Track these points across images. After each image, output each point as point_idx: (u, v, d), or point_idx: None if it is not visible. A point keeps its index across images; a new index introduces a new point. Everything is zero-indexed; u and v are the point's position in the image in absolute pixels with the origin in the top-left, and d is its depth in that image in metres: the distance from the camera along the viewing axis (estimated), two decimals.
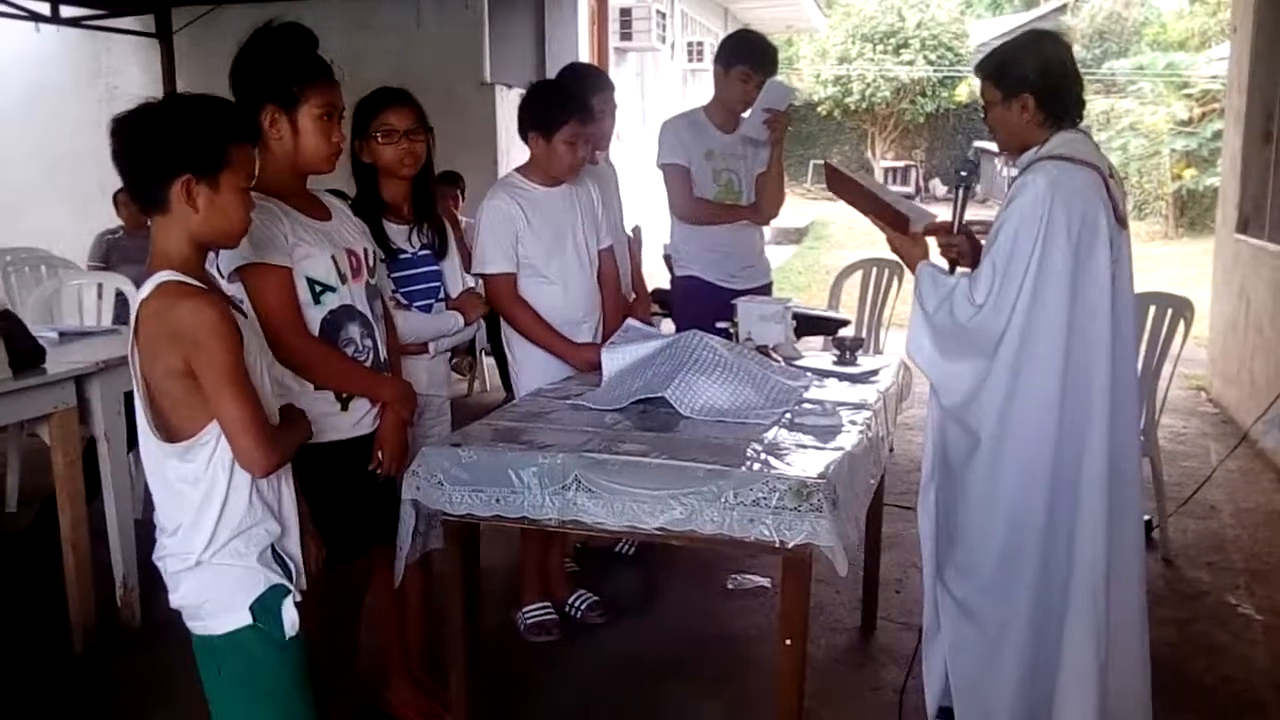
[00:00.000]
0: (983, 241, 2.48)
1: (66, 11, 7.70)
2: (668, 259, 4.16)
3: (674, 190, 3.90)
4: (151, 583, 2.55)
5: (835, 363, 3.05)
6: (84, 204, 6.83)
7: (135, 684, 3.07)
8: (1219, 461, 5.04)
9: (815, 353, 3.37)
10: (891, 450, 3.59)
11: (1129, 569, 2.45)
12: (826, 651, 3.25)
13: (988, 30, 23.30)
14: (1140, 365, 3.58)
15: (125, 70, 8.63)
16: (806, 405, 2.55)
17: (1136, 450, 2.56)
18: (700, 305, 3.74)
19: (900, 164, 23.61)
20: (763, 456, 2.14)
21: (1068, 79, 2.46)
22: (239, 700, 1.87)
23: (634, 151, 8.30)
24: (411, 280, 2.76)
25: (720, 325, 3.17)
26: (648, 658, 3.23)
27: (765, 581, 3.70)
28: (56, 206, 7.63)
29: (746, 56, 3.82)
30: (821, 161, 8.80)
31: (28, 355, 3.11)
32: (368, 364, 2.37)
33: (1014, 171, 2.55)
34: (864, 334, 5.27)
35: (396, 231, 2.73)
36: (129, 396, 1.85)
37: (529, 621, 3.35)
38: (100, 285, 4.84)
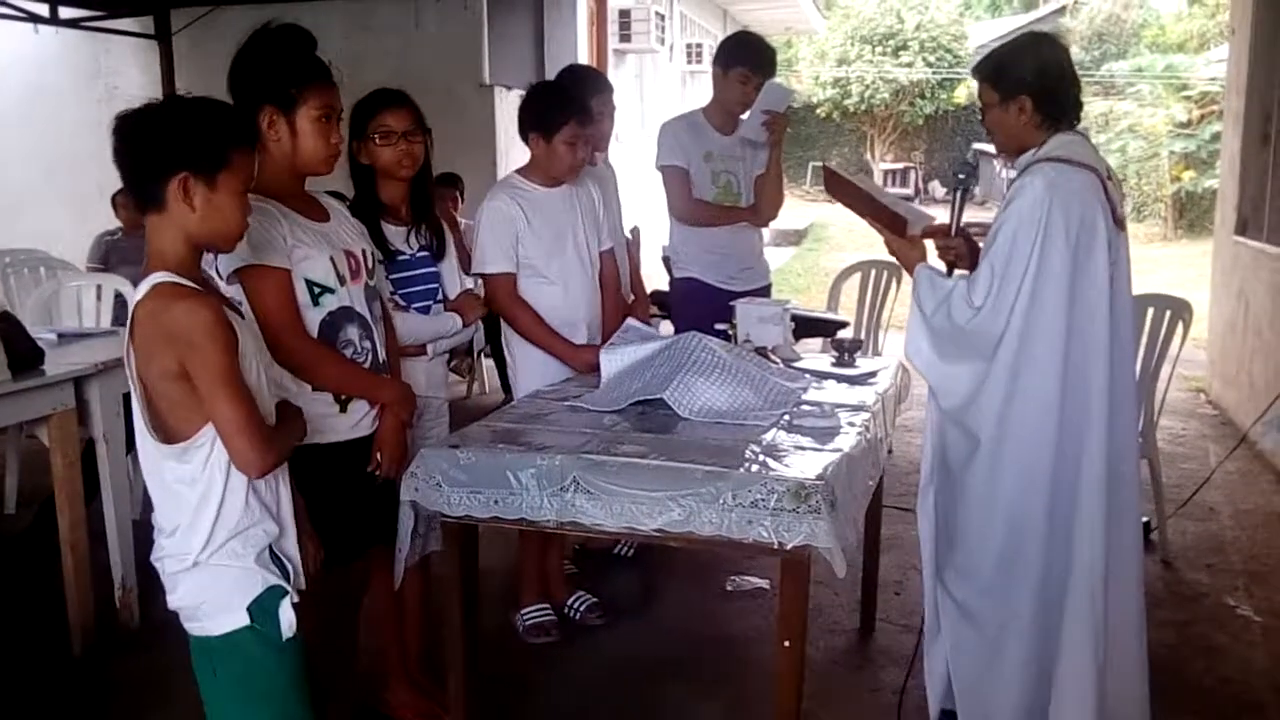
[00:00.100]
0: (981, 244, 2.49)
1: (65, 13, 7.70)
2: (666, 261, 4.16)
3: (673, 192, 3.90)
4: (150, 584, 2.55)
5: (834, 364, 3.05)
6: (83, 205, 6.82)
7: (134, 685, 3.07)
8: (1218, 463, 5.04)
9: (814, 354, 3.37)
10: (890, 452, 3.59)
11: (1127, 571, 2.45)
12: (825, 653, 3.25)
13: (987, 32, 23.31)
14: (1139, 367, 3.59)
15: (124, 72, 8.63)
16: (805, 407, 2.55)
17: (1135, 452, 2.57)
18: (699, 307, 3.74)
19: (899, 166, 23.62)
20: (761, 458, 2.14)
21: (1065, 81, 2.46)
22: (236, 701, 1.87)
23: (633, 153, 8.30)
24: (410, 282, 2.75)
25: (719, 327, 3.17)
26: (646, 659, 3.23)
27: (764, 583, 3.70)
28: (55, 208, 7.62)
29: (745, 58, 3.82)
30: (820, 164, 8.81)
31: (26, 357, 3.11)
32: (366, 365, 2.37)
33: (1013, 173, 2.55)
34: (863, 336, 5.27)
35: (395, 233, 2.73)
36: (128, 398, 1.84)
37: (527, 623, 3.34)
38: (99, 287, 4.84)
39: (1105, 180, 2.40)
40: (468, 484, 2.17)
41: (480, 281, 3.17)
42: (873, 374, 2.99)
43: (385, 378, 2.44)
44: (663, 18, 12.75)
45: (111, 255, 5.43)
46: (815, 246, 15.78)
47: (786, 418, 2.45)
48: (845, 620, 3.45)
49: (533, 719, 2.93)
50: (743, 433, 2.33)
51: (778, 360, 2.97)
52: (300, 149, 2.25)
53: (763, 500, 1.98)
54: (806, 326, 4.90)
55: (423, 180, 2.77)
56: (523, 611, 3.36)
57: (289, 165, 2.26)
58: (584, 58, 9.90)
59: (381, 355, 2.42)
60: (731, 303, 3.24)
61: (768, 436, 2.30)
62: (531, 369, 3.16)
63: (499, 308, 3.15)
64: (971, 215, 2.77)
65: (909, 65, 23.08)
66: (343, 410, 2.34)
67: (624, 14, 11.82)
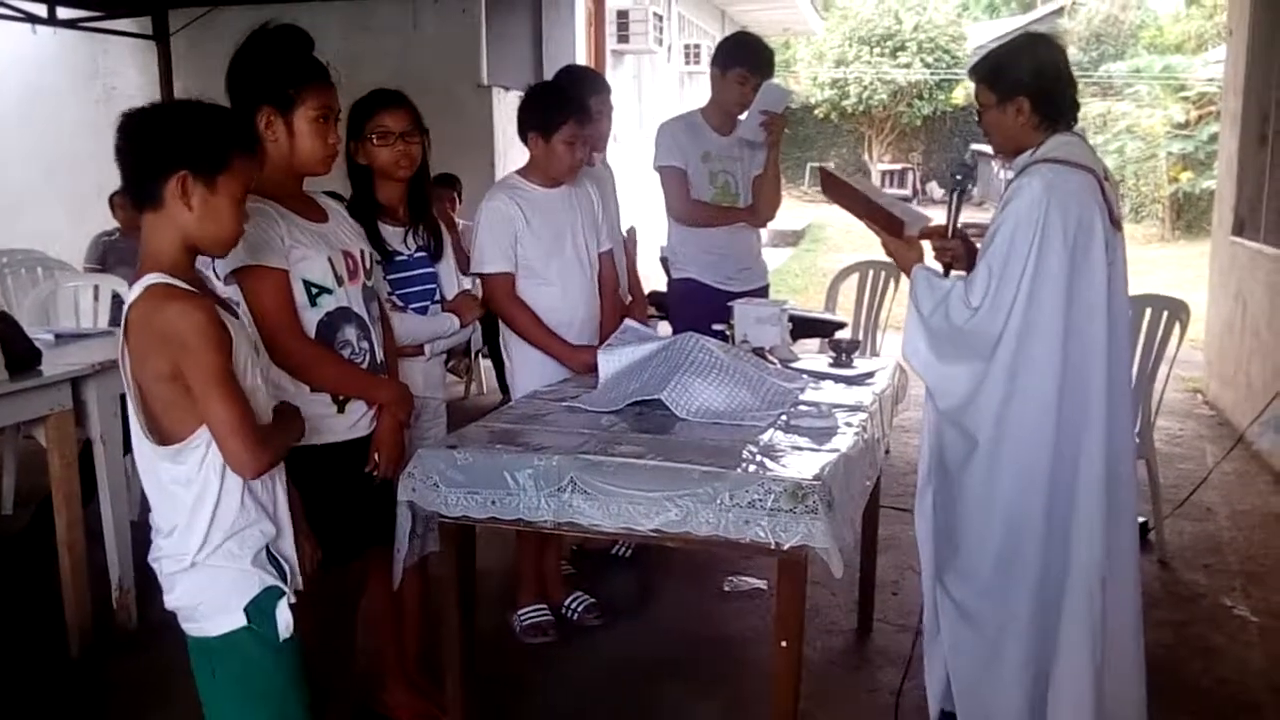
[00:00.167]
0: (978, 245, 2.49)
1: (63, 13, 7.69)
2: (664, 261, 4.16)
3: (671, 192, 3.90)
4: (147, 584, 2.55)
5: (831, 365, 3.06)
6: (81, 206, 6.82)
7: (132, 686, 3.07)
8: (1215, 464, 5.04)
9: (811, 355, 3.37)
10: (888, 452, 3.60)
11: (1125, 571, 2.45)
12: (822, 653, 3.25)
13: (984, 33, 23.32)
14: (1136, 368, 3.59)
15: (122, 72, 8.63)
16: (802, 407, 2.55)
17: (1132, 452, 2.57)
18: (697, 307, 3.74)
19: (897, 167, 23.64)
20: (758, 458, 2.14)
21: (1062, 82, 2.46)
22: (234, 702, 1.87)
23: (631, 154, 8.30)
24: (407, 282, 2.75)
25: (716, 327, 3.17)
26: (644, 659, 3.23)
27: (761, 583, 3.71)
28: (53, 208, 7.62)
29: (743, 59, 3.82)
30: (818, 165, 8.81)
31: (24, 357, 3.10)
32: (364, 366, 2.37)
33: (1011, 174, 2.55)
34: (860, 336, 5.28)
35: (392, 233, 2.73)
36: (125, 399, 1.84)
37: (525, 623, 3.34)
38: (96, 287, 4.83)
39: (1102, 181, 2.40)
40: (465, 484, 2.17)
41: (478, 282, 3.17)
42: (870, 374, 2.99)
43: (383, 378, 2.44)
44: (661, 18, 12.75)
45: (109, 256, 5.42)
46: (813, 247, 15.79)
47: (784, 418, 2.45)
48: (842, 620, 3.45)
49: (530, 719, 2.93)
50: (740, 433, 2.33)
51: (775, 361, 2.97)
52: (298, 149, 2.25)
53: (760, 500, 1.99)
54: (804, 327, 4.92)
55: (420, 181, 2.77)
56: (520, 612, 3.36)
57: (287, 166, 2.26)
58: (582, 58, 9.89)
59: (379, 356, 2.42)
60: (729, 303, 3.24)
61: (765, 437, 2.31)
62: (529, 369, 3.16)
63: (497, 308, 3.15)
64: (969, 216, 2.77)
65: (907, 66, 23.10)
66: (340, 411, 2.34)
67: (622, 15, 11.82)
